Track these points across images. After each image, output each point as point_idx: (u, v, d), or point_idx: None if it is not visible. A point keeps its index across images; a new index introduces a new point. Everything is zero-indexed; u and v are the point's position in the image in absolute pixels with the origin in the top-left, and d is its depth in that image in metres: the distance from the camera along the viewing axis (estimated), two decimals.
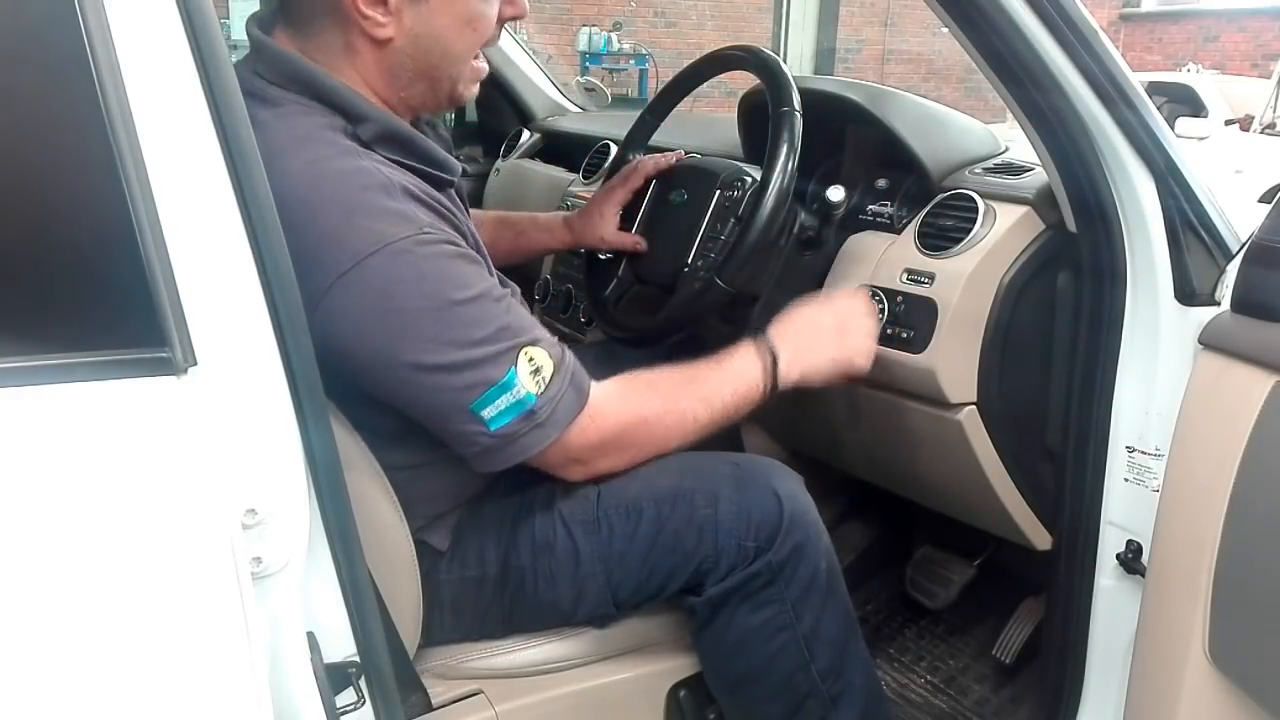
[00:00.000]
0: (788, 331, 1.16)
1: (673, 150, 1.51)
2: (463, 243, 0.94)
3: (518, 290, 1.15)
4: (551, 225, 1.52)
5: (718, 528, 1.08)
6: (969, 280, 1.18)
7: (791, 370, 1.13)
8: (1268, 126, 6.89)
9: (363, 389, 0.93)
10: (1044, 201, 1.18)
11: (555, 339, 0.98)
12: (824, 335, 1.17)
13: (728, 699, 1.17)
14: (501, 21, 1.02)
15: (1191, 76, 7.96)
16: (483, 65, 1.04)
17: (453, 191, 1.05)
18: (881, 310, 1.24)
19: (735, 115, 1.56)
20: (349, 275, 0.86)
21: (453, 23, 0.97)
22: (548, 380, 0.94)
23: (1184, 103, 7.33)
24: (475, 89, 1.06)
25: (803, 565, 1.10)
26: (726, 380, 1.09)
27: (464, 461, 1.06)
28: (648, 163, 1.46)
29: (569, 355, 0.98)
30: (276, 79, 0.94)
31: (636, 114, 1.54)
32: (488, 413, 0.91)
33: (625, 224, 1.46)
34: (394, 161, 0.95)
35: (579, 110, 2.38)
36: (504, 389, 0.91)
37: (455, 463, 1.06)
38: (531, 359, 0.93)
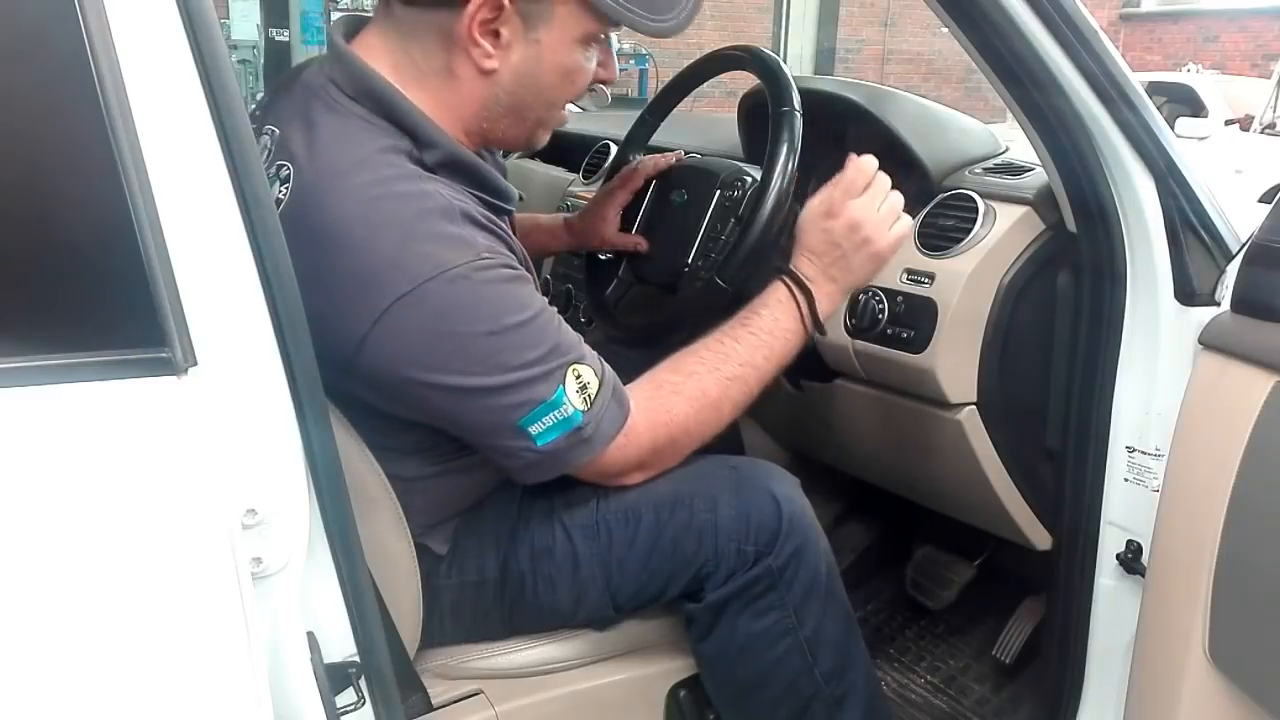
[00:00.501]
0: (815, 260, 1.10)
1: (673, 150, 1.51)
2: (518, 265, 0.95)
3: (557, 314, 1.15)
4: (553, 228, 1.52)
5: (717, 532, 1.08)
6: (969, 280, 1.18)
7: (832, 302, 1.10)
8: (1268, 126, 6.90)
9: (403, 407, 0.94)
10: (1044, 201, 1.18)
11: (594, 352, 0.98)
12: (851, 249, 1.09)
13: (730, 707, 1.17)
14: (597, 81, 1.03)
15: (1191, 76, 7.97)
16: (564, 117, 1.06)
17: (507, 218, 1.06)
18: (881, 308, 1.24)
19: (735, 115, 1.56)
20: (406, 299, 0.86)
21: (556, 70, 0.97)
22: (593, 397, 0.94)
23: (1184, 103, 7.34)
24: (547, 138, 1.07)
25: (803, 569, 1.10)
26: (759, 345, 1.06)
27: (461, 478, 1.07)
28: (648, 163, 1.45)
29: (608, 369, 0.98)
30: (350, 90, 0.94)
31: (636, 114, 1.54)
32: (535, 429, 0.92)
33: (625, 225, 1.46)
34: (454, 187, 0.95)
35: (579, 110, 2.38)
36: (553, 406, 0.92)
37: (453, 480, 1.07)
38: (579, 376, 0.94)
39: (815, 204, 1.12)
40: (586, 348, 0.97)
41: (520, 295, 0.93)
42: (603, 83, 1.04)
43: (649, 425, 1.00)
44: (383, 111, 0.94)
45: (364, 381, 0.91)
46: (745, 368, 1.05)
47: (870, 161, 1.13)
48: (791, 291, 1.08)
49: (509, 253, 0.94)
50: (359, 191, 0.87)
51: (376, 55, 0.96)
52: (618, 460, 0.99)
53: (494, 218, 0.97)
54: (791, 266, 1.10)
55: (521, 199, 1.98)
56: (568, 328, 0.98)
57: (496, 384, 0.90)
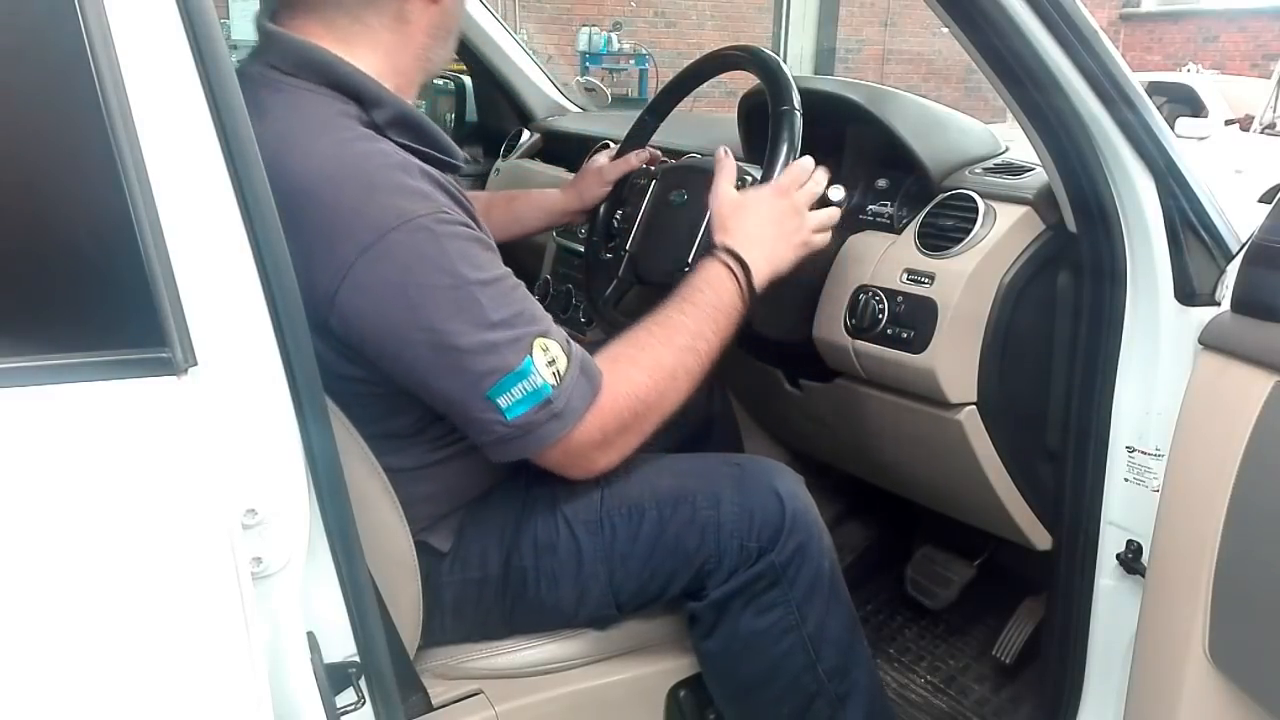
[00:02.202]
0: (742, 233, 1.14)
1: (676, 151, 1.51)
2: (475, 226, 0.95)
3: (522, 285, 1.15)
4: (545, 204, 1.57)
5: (720, 528, 1.08)
6: (969, 280, 1.18)
7: (762, 272, 1.12)
8: (1268, 126, 6.89)
9: (378, 373, 0.93)
10: (1044, 201, 1.18)
11: (562, 330, 0.98)
12: (777, 222, 1.16)
13: (733, 705, 1.17)
14: None
15: (1191, 76, 7.96)
16: None
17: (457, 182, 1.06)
18: (881, 309, 1.24)
19: (735, 115, 1.56)
20: (372, 250, 0.87)
21: (456, 6, 1.04)
22: (562, 372, 0.94)
23: (1184, 103, 7.33)
24: None
25: (806, 565, 1.10)
26: (705, 317, 1.07)
27: (465, 463, 1.06)
28: (646, 154, 1.50)
29: (576, 346, 0.97)
30: (289, 67, 0.95)
31: (636, 114, 1.54)
32: (504, 401, 0.91)
33: (625, 224, 1.47)
34: (405, 147, 0.96)
35: (579, 110, 2.38)
36: (521, 377, 0.91)
37: (457, 465, 1.06)
38: (546, 349, 0.93)
39: (727, 170, 1.20)
40: (553, 324, 0.97)
41: (482, 255, 0.93)
42: None
43: (612, 398, 0.99)
44: (325, 80, 0.95)
45: (339, 343, 0.91)
46: (696, 339, 1.05)
47: (807, 163, 1.21)
48: (729, 267, 1.10)
49: (466, 215, 0.95)
50: (320, 152, 0.88)
51: (314, 31, 0.97)
52: (585, 439, 0.98)
53: (445, 176, 0.97)
54: (725, 242, 1.13)
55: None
56: (534, 302, 0.97)
57: (463, 344, 0.89)
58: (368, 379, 0.94)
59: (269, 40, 0.97)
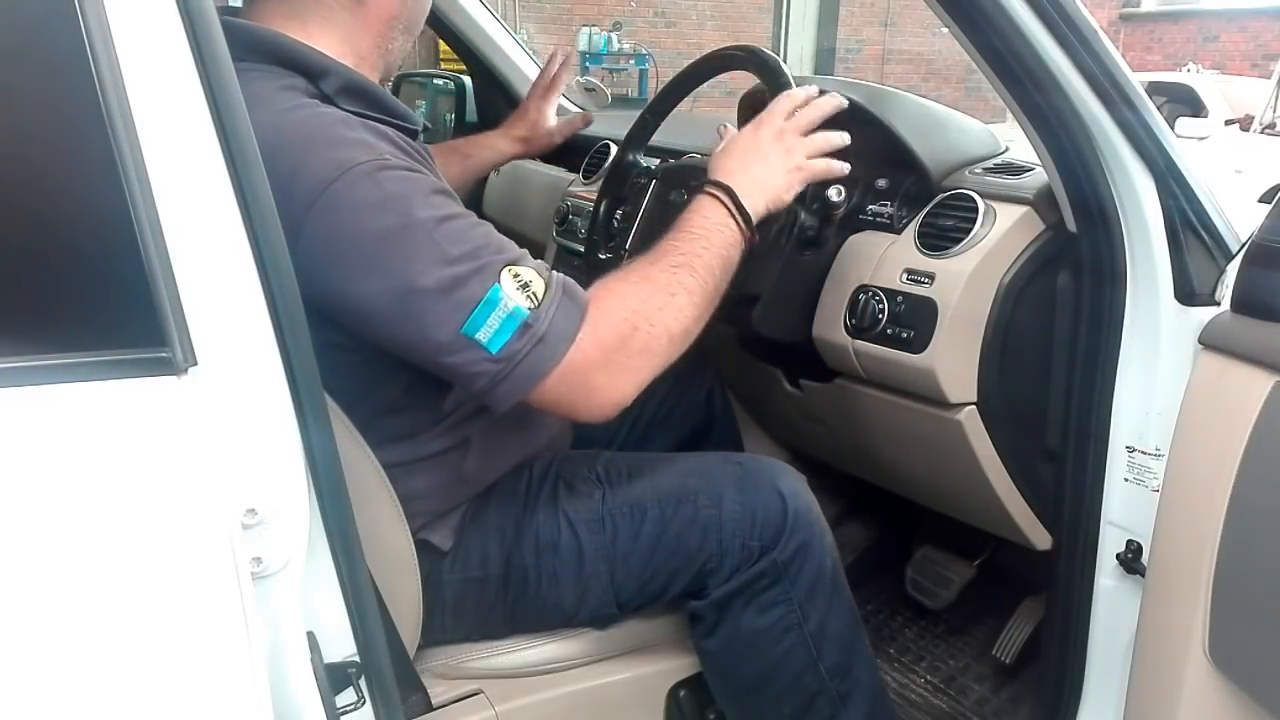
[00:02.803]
0: (724, 167, 1.11)
1: (676, 151, 1.51)
2: (428, 174, 0.93)
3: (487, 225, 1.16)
4: (494, 142, 1.62)
5: (722, 527, 1.08)
6: (969, 280, 1.18)
7: (757, 201, 1.08)
8: (1268, 126, 6.90)
9: (349, 335, 0.92)
10: (1044, 201, 1.18)
11: (543, 262, 0.94)
12: (761, 150, 1.12)
13: (734, 704, 1.17)
14: None
15: (1191, 76, 7.97)
16: None
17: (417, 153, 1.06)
18: (881, 308, 1.24)
19: (735, 115, 1.56)
20: (317, 205, 0.85)
21: None
22: (540, 295, 0.89)
23: (1184, 103, 7.33)
24: None
25: (808, 564, 1.10)
26: (695, 238, 1.03)
27: (463, 455, 1.06)
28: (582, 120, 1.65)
29: (558, 275, 0.93)
30: (238, 53, 0.94)
31: (636, 114, 1.54)
32: (482, 335, 0.87)
33: (625, 224, 1.47)
34: (357, 114, 0.95)
35: (579, 110, 2.38)
36: (491, 304, 0.87)
37: (454, 458, 1.06)
38: (517, 275, 0.89)
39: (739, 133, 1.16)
40: (527, 255, 0.93)
41: (433, 196, 0.90)
42: None
43: (603, 312, 0.94)
44: (271, 57, 0.95)
45: (309, 308, 0.90)
46: (689, 257, 1.01)
47: (800, 91, 1.17)
48: (712, 194, 1.07)
49: (414, 159, 0.93)
50: (259, 124, 0.83)
51: (275, 14, 0.98)
52: (583, 361, 0.91)
53: (399, 136, 0.97)
54: (715, 175, 1.10)
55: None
56: (504, 238, 0.93)
57: (425, 285, 0.86)
58: (345, 344, 0.92)
59: (224, 31, 0.98)
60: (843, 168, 1.15)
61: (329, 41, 0.98)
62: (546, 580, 1.10)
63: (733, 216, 1.06)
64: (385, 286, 0.86)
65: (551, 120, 1.63)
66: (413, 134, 1.03)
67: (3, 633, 0.60)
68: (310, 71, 0.95)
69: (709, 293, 1.02)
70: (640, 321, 0.95)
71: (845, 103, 1.18)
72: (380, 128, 0.94)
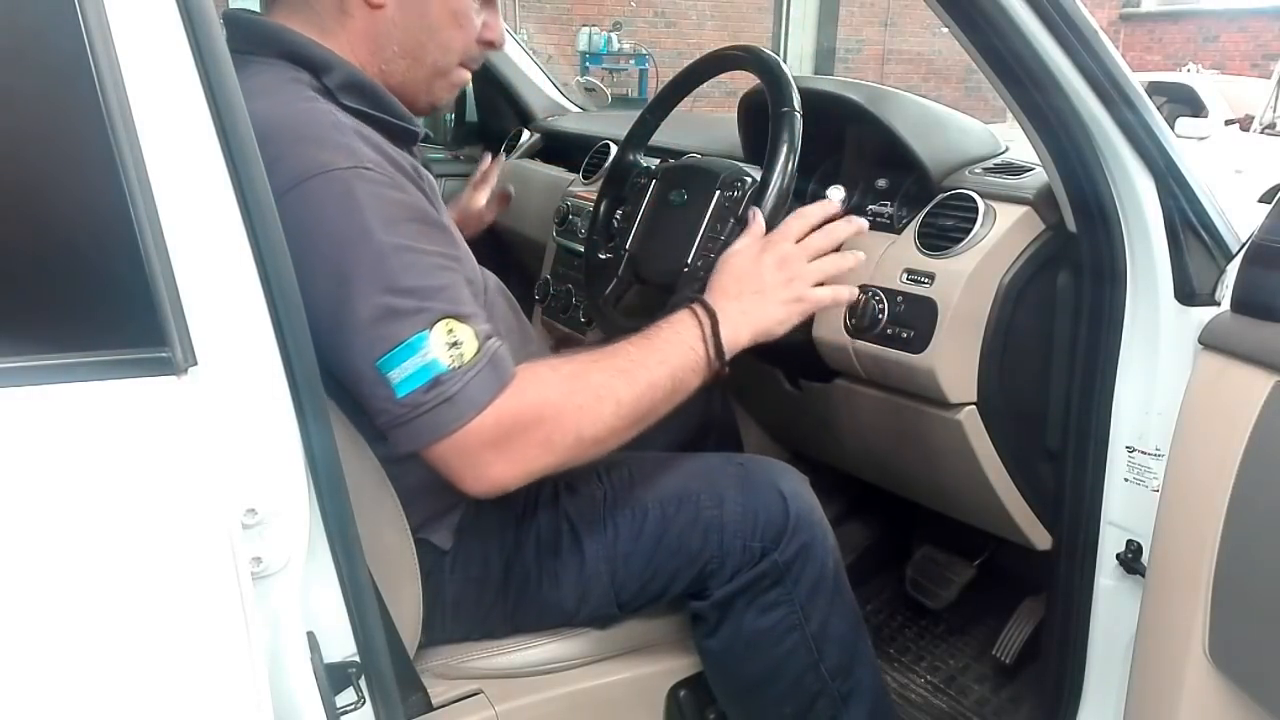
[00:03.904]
0: (726, 284, 1.05)
1: (676, 151, 1.51)
2: (411, 191, 0.92)
3: (489, 280, 1.14)
4: None
5: (723, 528, 1.08)
6: (969, 280, 1.18)
7: (740, 332, 1.03)
8: (1268, 126, 6.90)
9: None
10: (1044, 201, 1.18)
11: (490, 329, 0.92)
12: (756, 277, 1.06)
13: (735, 704, 1.17)
14: (484, 44, 1.05)
15: (1191, 76, 7.97)
16: (464, 77, 1.07)
17: (415, 157, 1.06)
18: (881, 308, 1.24)
19: (735, 115, 1.56)
20: (287, 196, 0.83)
21: (442, 9, 1.00)
22: (466, 358, 0.86)
23: (1184, 103, 7.34)
24: (450, 97, 1.08)
25: (809, 564, 1.10)
26: (653, 348, 0.99)
27: None
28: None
29: (496, 344, 0.90)
30: (244, 45, 0.95)
31: (636, 114, 1.54)
32: (394, 375, 0.85)
33: (625, 224, 1.47)
34: (357, 112, 0.96)
35: (579, 110, 2.38)
36: (411, 349, 0.84)
37: None
38: (452, 330, 0.86)
39: (755, 229, 1.11)
40: (477, 314, 0.90)
41: (405, 221, 0.88)
42: (488, 44, 1.06)
43: (518, 394, 0.90)
44: (277, 51, 0.96)
45: None
46: (636, 366, 0.97)
47: (815, 210, 1.11)
48: (694, 311, 1.03)
49: (405, 180, 0.92)
50: (257, 112, 0.81)
51: (281, 15, 0.99)
52: (480, 436, 0.88)
53: (391, 147, 0.96)
54: (704, 294, 1.06)
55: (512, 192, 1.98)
56: (463, 288, 0.91)
57: (361, 303, 0.84)
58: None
59: (231, 25, 0.98)
60: (850, 295, 1.11)
61: (342, 47, 0.99)
62: (547, 580, 1.10)
63: (704, 342, 1.01)
64: (325, 291, 0.85)
65: (482, 203, 1.70)
66: (411, 137, 1.03)
67: (4, 633, 0.60)
68: (314, 66, 0.96)
69: (642, 410, 0.97)
70: (552, 415, 0.91)
71: (864, 226, 1.12)
72: (376, 138, 0.94)
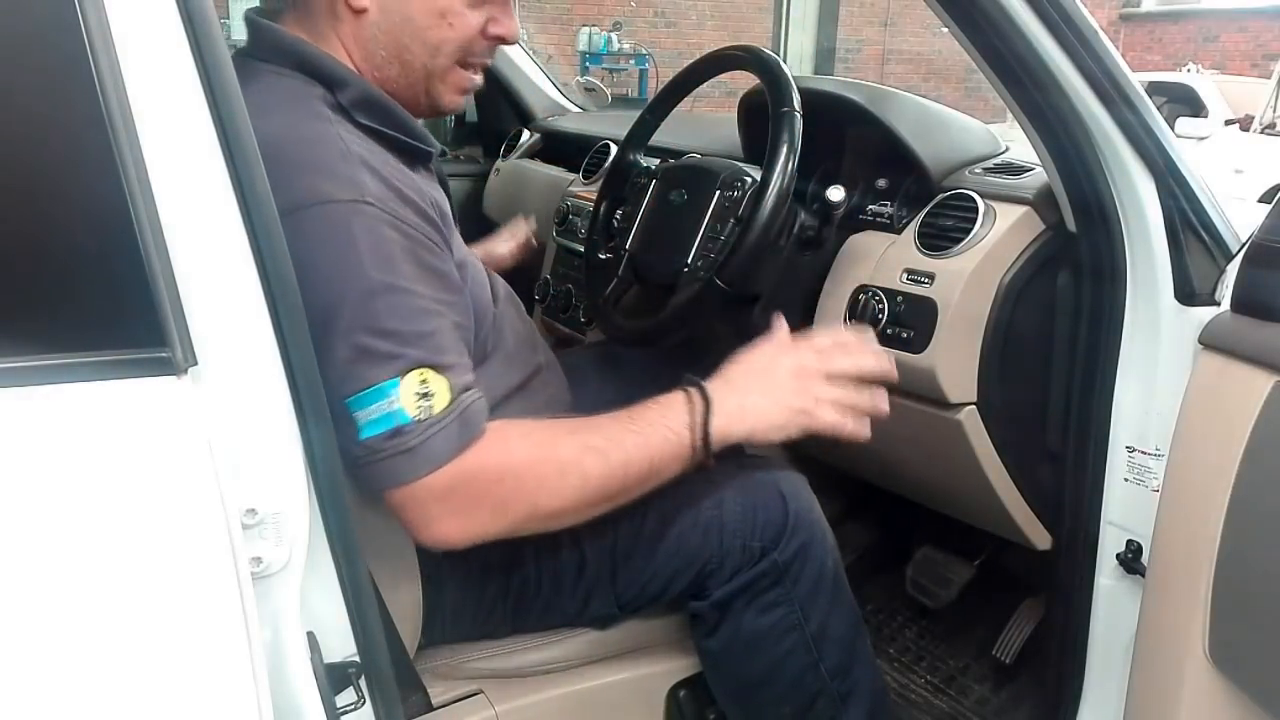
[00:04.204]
0: (734, 376, 1.01)
1: (676, 151, 1.50)
2: (417, 226, 0.90)
3: (499, 289, 1.14)
4: None
5: (722, 529, 1.08)
6: (969, 280, 1.18)
7: (734, 427, 0.97)
8: (1268, 126, 6.90)
9: None
10: (1044, 201, 1.18)
11: (470, 380, 0.90)
12: (771, 374, 1.01)
13: (735, 704, 1.17)
14: (490, 39, 1.00)
15: (1191, 76, 7.97)
16: (472, 77, 1.02)
17: (429, 174, 1.05)
18: (881, 308, 1.24)
19: (735, 115, 1.56)
20: (283, 223, 0.80)
21: (424, 9, 0.96)
22: (435, 411, 0.84)
23: (1184, 103, 7.34)
24: (459, 100, 1.04)
25: (809, 564, 1.10)
26: (634, 430, 0.94)
27: None
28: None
29: (472, 398, 0.88)
30: (262, 54, 0.95)
31: (636, 114, 1.54)
32: (361, 416, 0.83)
33: (625, 224, 1.47)
34: (370, 129, 0.95)
35: (579, 110, 2.38)
36: (379, 395, 0.83)
37: None
38: (425, 381, 0.84)
39: (780, 334, 1.06)
40: (459, 365, 0.88)
41: (402, 261, 0.86)
42: (497, 39, 1.01)
43: (479, 458, 0.87)
44: (293, 62, 0.94)
45: None
46: (610, 445, 0.92)
47: (853, 339, 1.05)
48: (689, 395, 0.98)
49: (409, 211, 0.89)
50: (265, 130, 0.80)
51: (287, 20, 0.98)
52: (433, 492, 0.86)
53: (400, 171, 0.95)
54: (713, 380, 1.00)
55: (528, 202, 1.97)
56: (448, 334, 0.89)
57: (339, 341, 0.82)
58: None
59: (252, 30, 0.98)
60: (857, 433, 1.02)
61: (339, 51, 0.98)
62: (548, 581, 1.10)
63: (692, 430, 0.95)
64: (310, 320, 0.81)
65: (505, 251, 1.69)
66: (426, 156, 1.02)
67: (4, 632, 0.60)
68: (329, 81, 0.94)
69: (611, 490, 0.93)
70: (511, 481, 0.89)
71: (894, 374, 1.05)
72: (386, 164, 0.92)
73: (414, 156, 1.00)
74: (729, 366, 1.02)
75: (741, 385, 1.00)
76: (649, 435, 0.94)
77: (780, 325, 1.07)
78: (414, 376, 0.84)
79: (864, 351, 1.04)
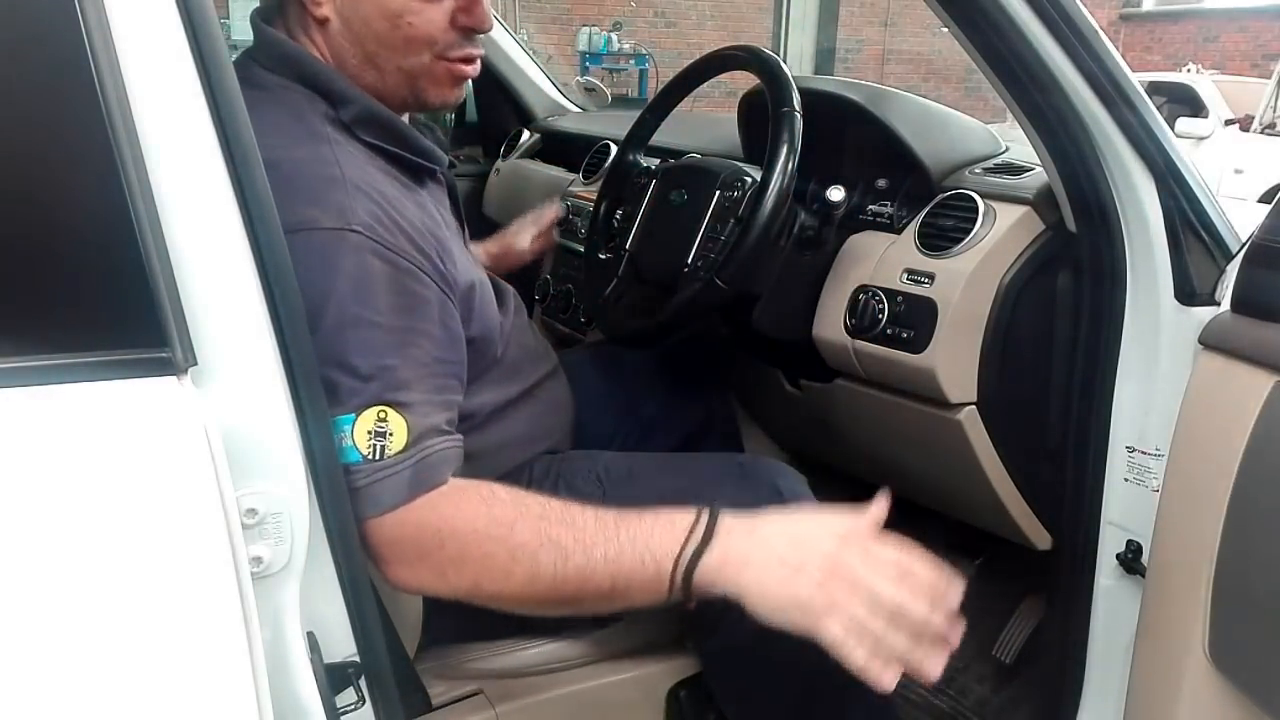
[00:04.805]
0: (763, 524, 0.85)
1: (678, 151, 1.51)
2: (406, 254, 0.87)
3: (510, 300, 1.14)
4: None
5: None
6: (969, 280, 1.18)
7: (727, 569, 0.83)
8: (1268, 126, 6.90)
9: None
10: (1044, 201, 1.18)
11: (441, 422, 0.85)
12: (810, 555, 0.82)
13: (735, 705, 1.17)
14: (462, 29, 0.96)
15: (1191, 76, 7.97)
16: (457, 70, 0.98)
17: (437, 186, 1.04)
18: (881, 308, 1.24)
19: (735, 115, 1.56)
20: None
21: (377, 12, 0.93)
22: (388, 451, 0.81)
23: (1184, 103, 7.34)
24: (452, 94, 1.00)
25: None
26: (608, 539, 0.83)
27: (470, 459, 1.06)
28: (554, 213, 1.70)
29: (437, 446, 0.84)
30: (269, 63, 0.94)
31: (636, 114, 1.54)
32: None
33: (625, 223, 1.47)
34: (373, 146, 0.94)
35: (579, 110, 2.38)
36: (335, 428, 0.79)
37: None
38: (384, 419, 0.81)
39: (849, 518, 0.86)
40: (427, 403, 0.84)
41: (377, 294, 0.83)
42: (466, 29, 0.96)
43: (425, 514, 0.83)
44: (297, 75, 0.93)
45: None
46: (576, 546, 0.83)
47: (928, 574, 0.82)
48: (697, 519, 0.85)
49: (401, 237, 0.86)
50: (269, 149, 0.78)
51: (278, 24, 0.97)
52: (379, 535, 0.83)
53: (410, 182, 0.93)
54: (724, 514, 0.86)
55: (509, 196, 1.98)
56: (420, 371, 0.85)
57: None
58: None
59: (256, 35, 0.98)
60: (875, 679, 0.79)
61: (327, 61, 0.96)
62: None
63: (675, 560, 0.82)
64: None
65: (526, 244, 1.68)
66: (430, 173, 1.01)
67: (3, 633, 0.60)
68: (332, 97, 0.93)
69: (564, 595, 0.83)
70: (454, 549, 0.83)
71: (944, 629, 0.81)
72: (382, 187, 0.89)
73: (419, 172, 1.00)
74: (772, 516, 0.86)
75: (764, 536, 0.84)
76: (624, 551, 0.83)
77: (858, 512, 0.86)
78: (371, 414, 0.81)
79: (921, 591, 0.81)
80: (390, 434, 0.82)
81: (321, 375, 0.77)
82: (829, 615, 0.80)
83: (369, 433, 0.81)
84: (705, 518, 0.85)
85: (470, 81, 1.03)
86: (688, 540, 0.83)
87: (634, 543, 0.83)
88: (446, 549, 0.83)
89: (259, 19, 0.99)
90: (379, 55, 0.95)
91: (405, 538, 0.83)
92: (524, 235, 1.67)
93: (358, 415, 0.81)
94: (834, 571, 0.81)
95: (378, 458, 0.81)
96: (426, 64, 0.96)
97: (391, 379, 0.83)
